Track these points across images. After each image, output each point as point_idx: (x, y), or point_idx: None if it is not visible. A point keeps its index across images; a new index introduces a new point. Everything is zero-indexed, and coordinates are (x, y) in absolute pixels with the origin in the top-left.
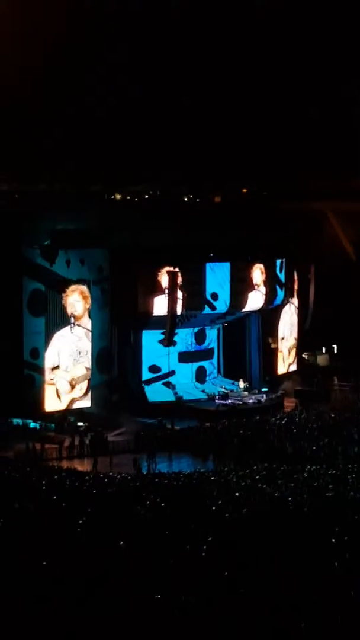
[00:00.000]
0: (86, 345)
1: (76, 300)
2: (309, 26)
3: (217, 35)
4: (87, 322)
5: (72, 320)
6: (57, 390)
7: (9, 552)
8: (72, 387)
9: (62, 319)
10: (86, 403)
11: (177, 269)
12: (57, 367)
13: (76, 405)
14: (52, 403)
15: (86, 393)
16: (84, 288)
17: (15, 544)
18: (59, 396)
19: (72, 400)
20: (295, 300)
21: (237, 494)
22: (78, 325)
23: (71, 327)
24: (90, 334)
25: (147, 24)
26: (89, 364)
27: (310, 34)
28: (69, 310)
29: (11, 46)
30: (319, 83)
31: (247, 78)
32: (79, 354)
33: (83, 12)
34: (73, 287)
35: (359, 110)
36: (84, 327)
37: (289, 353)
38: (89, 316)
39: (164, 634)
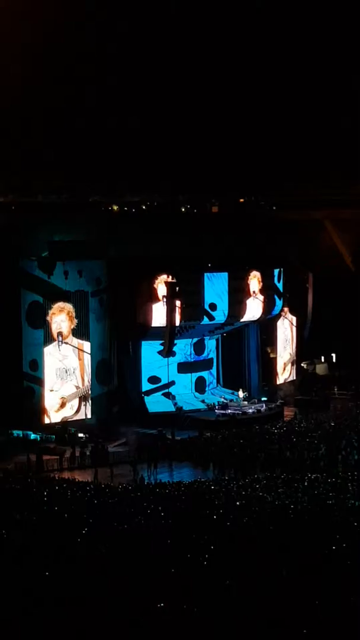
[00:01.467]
0: (73, 363)
1: (62, 320)
2: (304, 36)
3: (214, 44)
4: (72, 340)
5: (59, 338)
6: (45, 408)
7: (12, 562)
8: (63, 405)
9: (50, 336)
10: (81, 417)
11: (175, 280)
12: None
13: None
14: (49, 416)
15: (78, 410)
16: (70, 307)
17: (18, 554)
18: (47, 414)
19: (64, 418)
20: (288, 315)
21: (237, 503)
22: (66, 343)
23: (59, 345)
24: (77, 351)
25: (147, 32)
26: (78, 382)
27: (305, 42)
28: (55, 328)
29: (7, 55)
30: (314, 91)
31: (243, 87)
32: (66, 372)
33: (80, 17)
34: (60, 305)
35: (356, 117)
36: (71, 345)
37: (284, 368)
38: (74, 335)
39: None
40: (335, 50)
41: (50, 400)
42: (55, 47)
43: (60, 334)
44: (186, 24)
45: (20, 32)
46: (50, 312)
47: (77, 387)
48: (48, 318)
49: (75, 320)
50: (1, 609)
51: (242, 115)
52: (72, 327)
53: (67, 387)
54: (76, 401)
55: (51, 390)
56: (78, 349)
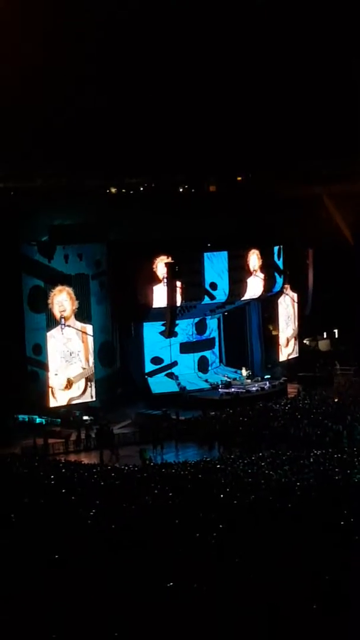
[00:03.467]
0: (77, 345)
1: (64, 299)
2: (301, 14)
3: (207, 21)
4: (75, 323)
5: (62, 321)
6: (52, 390)
7: (21, 545)
8: (69, 386)
9: (53, 320)
10: (87, 398)
11: (175, 260)
12: (49, 368)
13: (75, 402)
14: (54, 399)
15: (84, 391)
16: (70, 289)
17: (26, 537)
18: (54, 395)
19: (70, 399)
20: (289, 291)
21: (244, 481)
22: (68, 326)
23: (62, 328)
24: (80, 334)
25: (142, 16)
26: (84, 363)
27: (303, 18)
28: (57, 311)
29: (6, 42)
30: (311, 66)
31: (238, 64)
32: (71, 354)
33: (81, 6)
34: (60, 287)
35: (354, 92)
36: (73, 327)
37: (287, 343)
38: (76, 318)
39: (174, 622)
40: (332, 27)
41: (56, 383)
42: (55, 33)
43: (63, 317)
44: (186, 7)
45: (19, 19)
46: (52, 294)
47: (83, 368)
48: (49, 300)
49: (77, 302)
50: (9, 592)
51: (239, 93)
52: (74, 308)
53: (73, 369)
54: (82, 382)
55: (56, 374)
56: (82, 332)
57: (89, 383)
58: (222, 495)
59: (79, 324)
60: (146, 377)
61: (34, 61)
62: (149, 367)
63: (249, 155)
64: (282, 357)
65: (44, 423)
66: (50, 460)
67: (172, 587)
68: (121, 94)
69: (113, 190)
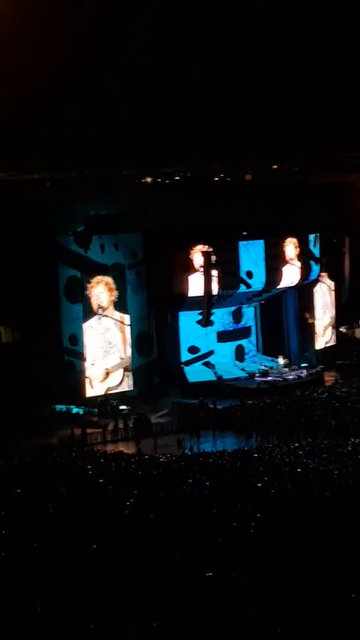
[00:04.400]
0: (116, 336)
1: (101, 291)
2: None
3: (243, 13)
4: (113, 313)
5: (100, 311)
6: (89, 380)
7: (58, 536)
8: (107, 376)
9: (90, 310)
10: (124, 388)
11: (211, 249)
12: (85, 359)
13: (112, 392)
14: (91, 389)
15: (121, 382)
16: (109, 279)
17: (64, 528)
18: (91, 385)
19: (108, 389)
20: (326, 279)
21: (281, 470)
22: (105, 316)
23: (99, 318)
24: (119, 324)
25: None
26: (122, 353)
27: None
28: (95, 302)
29: (32, 27)
30: (345, 55)
31: (272, 53)
32: (109, 344)
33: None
34: (98, 278)
35: None
36: (111, 318)
37: (324, 331)
38: (115, 308)
39: (216, 611)
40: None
41: (93, 373)
42: (81, 18)
43: (100, 306)
44: None
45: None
46: (89, 286)
47: (121, 359)
48: (87, 292)
49: (115, 292)
50: (47, 581)
51: (275, 82)
52: (112, 299)
53: (110, 359)
54: (120, 372)
55: (92, 364)
56: (120, 322)
57: (126, 373)
58: (259, 485)
59: (117, 314)
60: (183, 366)
61: (59, 45)
62: (185, 356)
63: (284, 144)
64: (319, 345)
65: (81, 413)
66: (87, 450)
67: (211, 576)
68: (157, 83)
69: (148, 179)
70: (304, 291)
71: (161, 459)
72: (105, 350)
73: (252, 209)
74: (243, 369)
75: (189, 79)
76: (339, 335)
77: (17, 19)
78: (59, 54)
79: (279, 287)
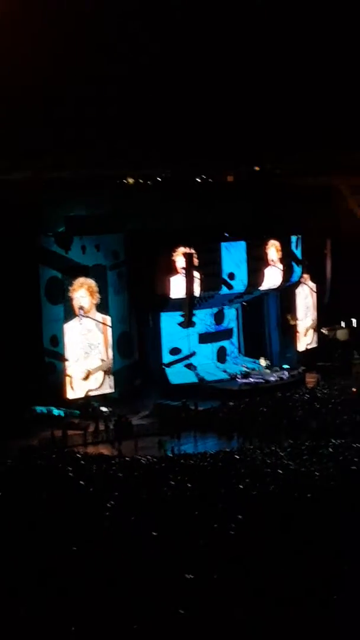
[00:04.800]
0: (97, 337)
1: (82, 295)
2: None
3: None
4: (95, 314)
5: (81, 312)
6: (70, 381)
7: (38, 538)
8: (87, 377)
9: (71, 311)
10: (105, 390)
11: (192, 250)
12: (66, 360)
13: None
14: (72, 391)
15: (102, 384)
16: (91, 282)
17: (44, 529)
18: (72, 387)
19: (88, 391)
20: (308, 281)
21: (263, 471)
22: (87, 317)
23: (80, 319)
24: (100, 325)
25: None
26: (103, 355)
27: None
28: (76, 304)
29: (18, 33)
30: (332, 57)
31: (256, 54)
32: (90, 346)
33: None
34: (80, 280)
35: None
36: (93, 319)
37: (306, 333)
38: (97, 309)
39: (192, 614)
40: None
41: (73, 375)
42: (63, 23)
43: (81, 308)
44: None
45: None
46: (71, 288)
47: (102, 360)
48: (69, 294)
49: (97, 296)
50: (26, 585)
51: (257, 83)
52: (94, 302)
53: (91, 360)
54: (100, 374)
55: (75, 361)
56: (102, 323)
57: (106, 375)
58: (241, 486)
59: (99, 316)
60: (164, 367)
61: (45, 48)
62: (167, 357)
63: (267, 145)
64: (301, 347)
65: (62, 415)
66: (68, 452)
67: (191, 578)
68: (138, 83)
69: (130, 180)
70: (286, 293)
71: (142, 461)
72: (86, 352)
73: (234, 210)
74: (225, 371)
75: (173, 82)
76: (320, 337)
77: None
78: (44, 57)
79: (260, 289)
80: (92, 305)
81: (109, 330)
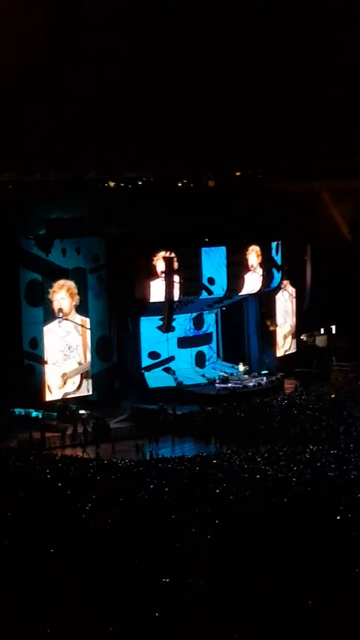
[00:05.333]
0: (76, 339)
1: (62, 297)
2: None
3: (205, 16)
4: (75, 317)
5: (60, 315)
6: (47, 385)
7: (16, 540)
8: (64, 381)
9: (51, 313)
10: (83, 393)
11: (172, 255)
12: (45, 362)
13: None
14: (50, 394)
15: (79, 387)
16: (71, 284)
17: (22, 531)
18: (50, 390)
19: (65, 395)
20: (288, 287)
21: (240, 476)
22: (66, 319)
23: (59, 322)
24: (79, 327)
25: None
26: (80, 358)
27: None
28: (56, 306)
29: (6, 35)
30: (311, 61)
31: (238, 60)
32: (69, 348)
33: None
34: (60, 282)
35: (354, 88)
36: (72, 321)
37: (285, 339)
38: (77, 311)
39: (171, 617)
40: (328, 20)
41: (52, 378)
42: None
43: (60, 310)
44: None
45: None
46: (51, 290)
47: (80, 364)
48: (49, 296)
49: (77, 298)
50: (5, 588)
51: (238, 88)
52: (74, 303)
53: (69, 364)
54: (78, 377)
55: (53, 364)
56: (81, 325)
57: (84, 378)
58: (218, 491)
59: (78, 318)
60: (143, 371)
61: (33, 54)
62: (146, 361)
63: (247, 151)
64: (280, 352)
65: (40, 417)
66: (46, 455)
67: (168, 582)
68: (120, 87)
69: (111, 184)
70: (265, 298)
71: (120, 464)
72: (65, 354)
73: (214, 215)
74: (203, 375)
75: (154, 86)
76: (299, 343)
77: None
78: (27, 60)
79: (240, 294)
80: (71, 308)
81: (88, 333)
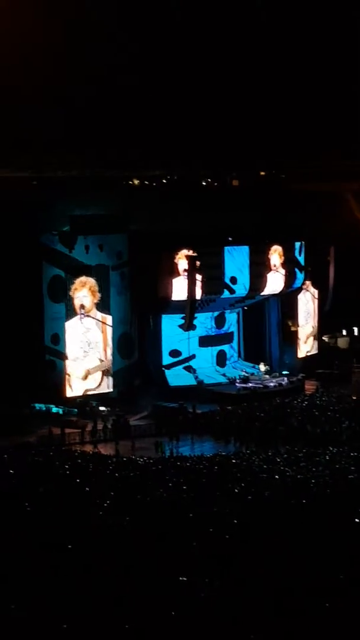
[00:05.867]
0: (96, 336)
1: (84, 295)
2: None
3: (229, 16)
4: (96, 314)
5: (82, 311)
6: (69, 380)
7: (35, 535)
8: (85, 377)
9: (73, 310)
10: (103, 390)
11: (195, 253)
12: (66, 358)
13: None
14: (71, 390)
15: (100, 384)
16: (93, 282)
17: (40, 526)
18: (70, 386)
19: (86, 391)
20: (310, 288)
21: (259, 476)
22: (88, 316)
23: (80, 318)
24: (100, 324)
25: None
26: (101, 354)
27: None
28: (77, 303)
29: (27, 31)
30: (336, 64)
31: (263, 59)
32: (89, 345)
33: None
34: (82, 280)
35: None
36: (94, 318)
37: (306, 340)
38: (97, 308)
39: (185, 616)
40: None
41: (73, 373)
42: (73, 18)
43: (82, 307)
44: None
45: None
46: (73, 287)
47: (101, 360)
48: (70, 293)
49: (98, 295)
50: (23, 583)
51: (265, 89)
52: (95, 301)
53: (90, 360)
54: (99, 374)
55: (74, 360)
56: (102, 322)
57: (105, 375)
58: (236, 490)
59: (99, 314)
60: (164, 369)
61: (58, 52)
62: (167, 359)
63: (272, 151)
64: (301, 353)
65: (60, 412)
66: (65, 450)
67: (185, 580)
68: (147, 86)
69: (136, 181)
70: (287, 299)
71: (139, 461)
72: (85, 351)
73: (238, 214)
74: (224, 375)
75: (181, 85)
76: (321, 344)
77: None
78: (51, 56)
79: (262, 294)
80: (93, 305)
81: (109, 330)
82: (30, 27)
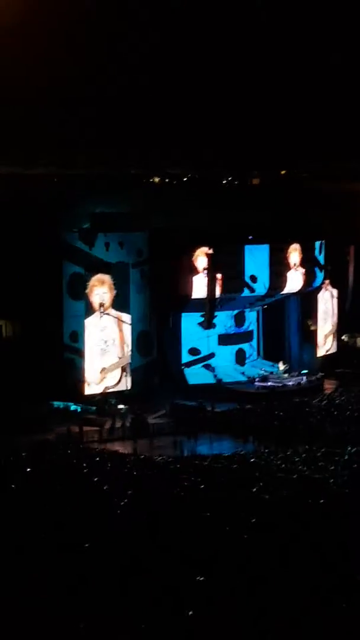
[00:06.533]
0: (113, 333)
1: (104, 292)
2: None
3: (254, 15)
4: (112, 311)
5: (101, 309)
6: (87, 378)
7: (52, 533)
8: (104, 375)
9: (92, 307)
10: (122, 387)
11: (216, 252)
12: (85, 356)
13: (110, 391)
14: (89, 387)
15: (119, 381)
16: (109, 279)
17: (58, 525)
18: (88, 384)
19: (105, 389)
20: (329, 287)
21: (277, 475)
22: (107, 314)
23: (100, 316)
24: (117, 321)
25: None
26: (120, 352)
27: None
28: (97, 300)
29: (50, 32)
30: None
31: (281, 59)
32: (105, 342)
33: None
34: (100, 277)
35: None
36: (112, 316)
37: (325, 339)
38: (116, 306)
39: (201, 617)
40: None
41: (92, 371)
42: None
43: (102, 305)
44: None
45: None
46: (90, 284)
47: (119, 358)
48: (88, 290)
49: (114, 292)
50: (41, 581)
51: (284, 88)
52: (113, 298)
53: (107, 358)
54: (118, 371)
55: (92, 358)
56: (118, 319)
57: (124, 373)
58: (254, 489)
59: (115, 312)
60: (183, 367)
61: (81, 51)
62: (186, 357)
63: (293, 150)
64: (320, 352)
65: (78, 410)
66: (84, 448)
67: (201, 581)
68: (166, 86)
69: (156, 179)
70: (306, 298)
71: (157, 460)
72: (103, 349)
73: (258, 213)
74: (243, 373)
75: (199, 85)
76: (340, 344)
77: (19, 20)
78: (64, 54)
79: (282, 292)
80: (111, 302)
81: (126, 328)
82: (54, 29)
